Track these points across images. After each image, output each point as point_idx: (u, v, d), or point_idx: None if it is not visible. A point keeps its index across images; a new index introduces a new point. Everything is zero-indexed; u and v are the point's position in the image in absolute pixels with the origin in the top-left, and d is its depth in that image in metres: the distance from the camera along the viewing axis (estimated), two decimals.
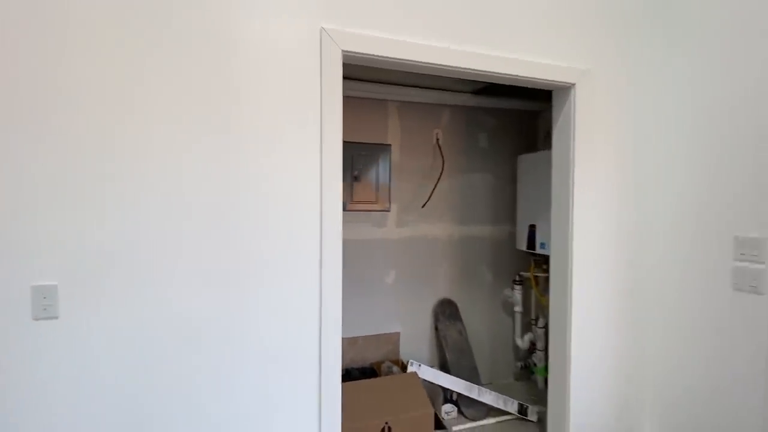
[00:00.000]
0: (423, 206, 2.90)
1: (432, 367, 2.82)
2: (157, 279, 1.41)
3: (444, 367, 2.92)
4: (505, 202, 3.22)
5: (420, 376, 2.59)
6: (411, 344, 2.98)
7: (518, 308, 3.17)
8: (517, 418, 2.66)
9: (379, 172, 2.84)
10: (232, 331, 1.52)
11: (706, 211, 2.02)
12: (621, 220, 2.21)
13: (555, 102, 2.20)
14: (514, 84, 2.07)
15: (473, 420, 2.65)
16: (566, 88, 2.10)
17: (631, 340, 2.26)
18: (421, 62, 1.77)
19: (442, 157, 2.93)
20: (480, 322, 3.20)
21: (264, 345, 1.56)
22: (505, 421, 2.64)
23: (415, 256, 2.96)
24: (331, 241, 1.65)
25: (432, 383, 2.67)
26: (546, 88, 2.16)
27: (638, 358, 2.28)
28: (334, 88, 1.63)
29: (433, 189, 2.89)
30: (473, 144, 3.15)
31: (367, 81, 2.62)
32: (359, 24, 1.66)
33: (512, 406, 2.69)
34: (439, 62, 1.79)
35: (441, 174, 2.90)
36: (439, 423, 2.45)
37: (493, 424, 2.61)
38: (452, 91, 2.90)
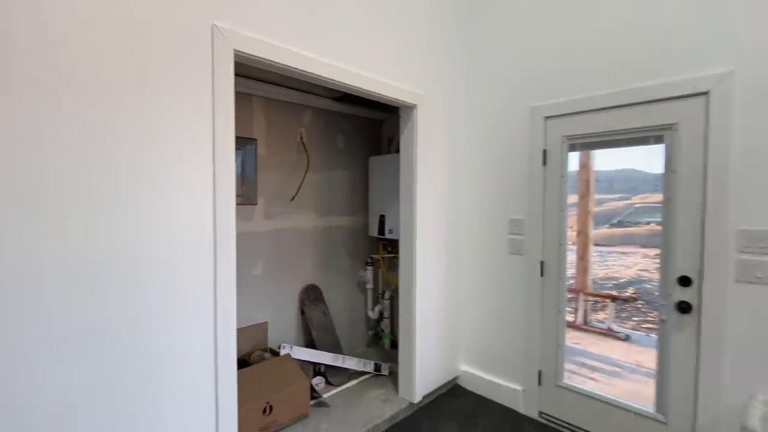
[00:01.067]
0: (292, 199, 3.09)
1: (300, 347, 3.07)
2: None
3: (311, 346, 3.22)
4: (360, 196, 3.71)
5: (293, 356, 2.82)
6: (279, 331, 3.15)
7: (369, 285, 3.74)
8: (374, 376, 3.20)
9: (245, 165, 2.88)
10: (120, 333, 1.45)
11: (493, 202, 2.95)
12: (446, 209, 2.97)
13: (402, 117, 2.77)
14: (376, 99, 2.52)
15: (339, 386, 3.04)
16: (411, 107, 2.68)
17: (453, 296, 3.08)
18: (305, 71, 2.01)
19: (307, 153, 3.19)
20: (340, 301, 3.62)
21: (155, 344, 1.54)
22: (364, 380, 3.14)
23: (282, 247, 3.13)
24: (226, 234, 1.73)
25: (303, 361, 2.93)
26: (396, 105, 2.69)
27: (457, 309, 3.13)
28: (226, 84, 1.71)
29: (301, 183, 3.12)
30: (332, 144, 3.51)
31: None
32: (250, 28, 1.78)
33: (369, 367, 3.21)
34: (319, 73, 2.07)
35: (307, 170, 3.15)
36: (314, 394, 2.74)
37: (355, 384, 3.07)
38: (314, 94, 3.17)
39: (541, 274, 2.70)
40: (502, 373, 2.93)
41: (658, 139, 2.25)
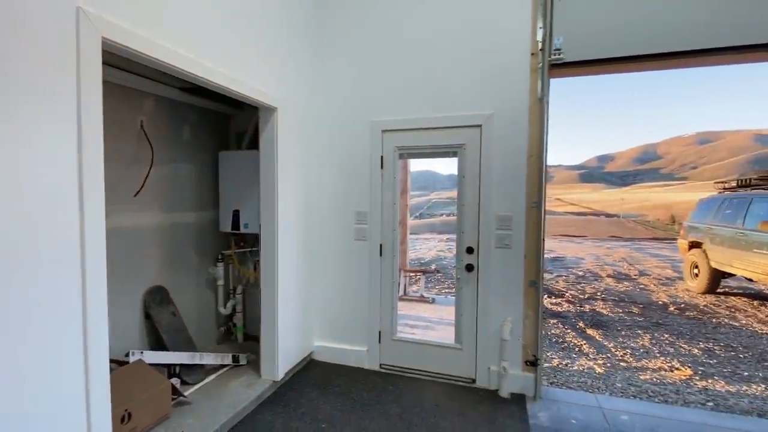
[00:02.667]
0: (136, 195, 2.81)
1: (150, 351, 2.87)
2: None
3: (161, 349, 3.03)
4: (208, 191, 3.63)
5: (146, 361, 2.65)
6: (121, 339, 2.84)
7: (221, 282, 3.72)
8: (233, 367, 3.27)
9: None
10: None
11: (342, 197, 3.49)
12: (302, 203, 3.33)
13: (263, 117, 2.96)
14: (240, 99, 2.64)
15: (196, 383, 3.00)
16: (272, 109, 2.92)
17: (308, 280, 3.47)
18: (174, 66, 2.03)
19: (151, 146, 2.95)
20: (188, 301, 3.47)
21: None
22: (223, 373, 3.18)
23: (121, 248, 2.82)
24: (95, 235, 1.65)
25: (156, 365, 2.77)
26: (257, 105, 2.87)
27: (312, 292, 3.53)
28: (93, 72, 1.62)
29: (146, 178, 2.87)
30: (178, 136, 3.33)
31: None
32: (120, 15, 1.72)
33: (227, 360, 3.27)
34: (188, 69, 2.12)
35: (152, 163, 2.92)
36: (175, 394, 2.66)
37: (214, 378, 3.08)
38: (157, 81, 2.97)
39: (380, 254, 3.39)
40: (350, 339, 3.51)
41: (454, 154, 3.23)
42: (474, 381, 3.14)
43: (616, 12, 2.81)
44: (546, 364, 3.69)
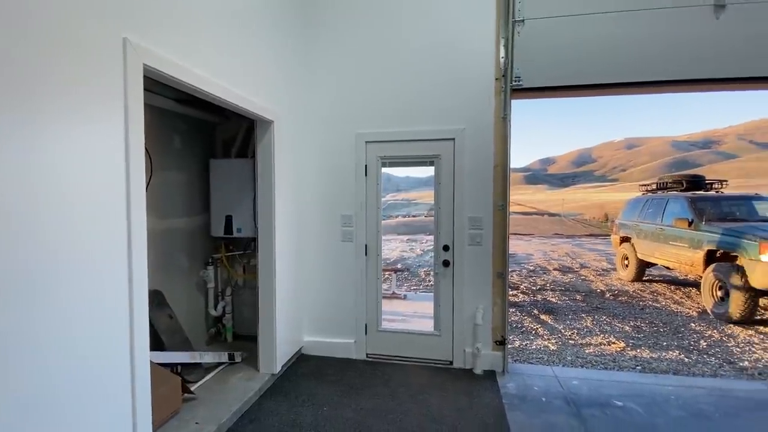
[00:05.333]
0: None
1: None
2: None
3: (160, 350, 3.14)
4: (199, 197, 3.76)
5: (153, 361, 2.78)
6: None
7: (211, 284, 3.86)
8: (229, 365, 3.45)
9: None
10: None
11: (330, 202, 3.79)
12: (295, 208, 3.59)
13: (260, 130, 3.20)
14: (244, 114, 2.87)
15: (197, 381, 3.16)
16: (269, 122, 3.16)
17: (300, 280, 3.73)
18: (205, 91, 2.26)
19: (149, 155, 3.07)
20: (181, 304, 3.59)
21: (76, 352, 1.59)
22: (221, 370, 3.35)
23: None
24: (140, 236, 1.85)
25: (159, 365, 2.90)
26: (257, 119, 3.10)
27: (303, 290, 3.79)
28: (137, 94, 1.84)
29: (147, 185, 2.98)
30: (170, 144, 3.45)
31: None
32: (157, 44, 1.94)
33: (224, 358, 3.44)
34: (217, 94, 2.36)
35: (151, 173, 3.04)
36: (184, 391, 2.82)
37: (213, 376, 3.25)
38: (153, 92, 3.09)
39: (366, 254, 3.74)
40: (338, 333, 3.82)
41: (431, 163, 3.66)
42: (452, 362, 3.59)
43: (566, 49, 3.38)
44: (510, 346, 4.23)
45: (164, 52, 2.00)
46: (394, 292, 6.04)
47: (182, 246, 3.62)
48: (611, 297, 6.51)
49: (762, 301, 5.97)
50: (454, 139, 3.54)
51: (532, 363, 3.81)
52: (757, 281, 4.86)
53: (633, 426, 2.65)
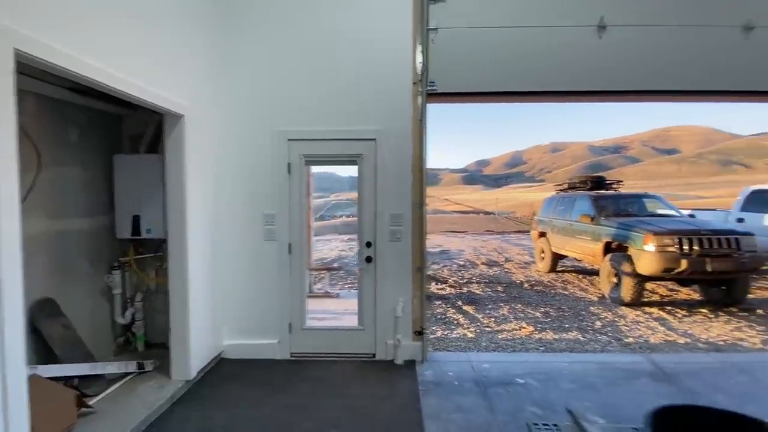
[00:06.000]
0: (24, 200, 2.61)
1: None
2: None
3: (54, 363, 2.86)
4: (100, 195, 3.46)
5: (43, 375, 2.53)
6: None
7: (117, 290, 3.58)
8: (139, 374, 3.23)
9: None
10: None
11: (251, 200, 3.71)
12: (211, 207, 3.46)
13: (168, 123, 3.04)
14: (142, 104, 2.70)
15: (97, 394, 2.92)
16: (178, 116, 3.02)
17: (218, 282, 3.60)
18: (98, 81, 2.10)
19: (36, 148, 2.77)
20: (82, 312, 3.28)
21: None
22: (129, 380, 3.13)
23: None
24: (10, 243, 1.69)
25: (51, 379, 2.64)
26: (162, 112, 2.94)
27: (221, 291, 3.67)
28: (6, 82, 1.67)
29: (33, 183, 2.69)
30: (64, 137, 3.14)
31: None
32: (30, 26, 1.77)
33: (132, 367, 3.21)
34: (113, 85, 2.20)
35: (39, 169, 2.75)
36: (81, 405, 2.59)
37: (119, 387, 3.03)
38: (40, 79, 2.80)
39: (290, 253, 3.71)
40: (261, 334, 3.75)
41: (354, 162, 3.74)
42: (374, 355, 3.70)
43: (480, 57, 3.63)
44: (432, 336, 4.46)
45: (45, 37, 1.84)
46: (327, 291, 6.04)
47: (82, 249, 3.31)
48: (528, 287, 7.11)
49: (650, 286, 6.91)
50: (375, 139, 3.65)
51: (450, 351, 4.06)
52: (642, 268, 5.61)
53: (530, 399, 2.94)
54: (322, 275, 6.66)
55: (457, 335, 4.57)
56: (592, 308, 5.71)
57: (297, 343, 3.76)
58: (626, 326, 4.92)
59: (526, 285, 7.28)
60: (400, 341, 3.58)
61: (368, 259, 3.70)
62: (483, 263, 9.70)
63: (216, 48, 3.54)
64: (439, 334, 4.60)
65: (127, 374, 3.19)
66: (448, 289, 6.90)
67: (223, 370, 3.48)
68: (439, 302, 5.97)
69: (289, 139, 3.67)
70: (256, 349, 3.72)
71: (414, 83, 3.62)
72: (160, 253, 3.63)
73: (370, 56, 3.63)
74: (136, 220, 3.43)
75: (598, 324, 5.00)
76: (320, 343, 3.76)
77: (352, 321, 3.85)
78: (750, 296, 6.20)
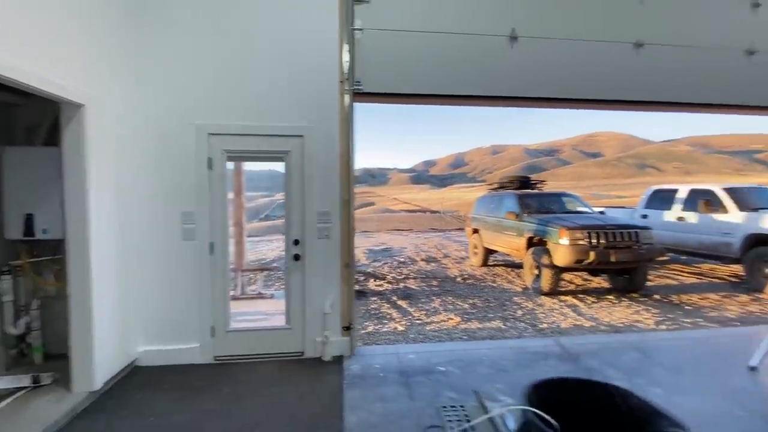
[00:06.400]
0: None
1: None
2: None
3: None
4: None
5: None
6: None
7: (8, 297, 3.21)
8: (34, 389, 2.92)
9: None
10: None
11: (166, 197, 3.51)
12: (121, 204, 3.22)
13: (65, 113, 2.79)
14: (33, 92, 2.46)
15: None
16: (77, 105, 2.78)
17: (129, 283, 3.37)
18: None
19: None
20: None
21: None
22: (22, 395, 2.82)
23: None
24: None
25: None
26: (57, 100, 2.69)
27: (134, 294, 3.43)
28: None
29: None
30: None
31: None
32: None
33: (26, 381, 2.91)
34: None
35: None
36: None
37: (11, 402, 2.72)
38: None
39: (211, 253, 3.57)
40: (180, 338, 3.56)
41: (281, 159, 3.69)
42: (303, 353, 3.68)
43: (407, 60, 3.75)
44: (363, 331, 4.54)
45: None
46: (260, 292, 5.88)
47: None
48: (461, 281, 7.47)
49: (568, 276, 7.58)
50: (302, 136, 3.63)
51: (380, 344, 4.16)
52: (558, 260, 6.15)
53: (448, 385, 3.11)
54: (257, 276, 6.47)
55: (389, 329, 4.69)
56: (515, 298, 6.14)
57: (221, 347, 3.62)
58: (543, 313, 5.36)
59: (459, 279, 7.64)
60: (328, 338, 3.60)
61: (296, 257, 3.67)
62: (422, 259, 10.01)
63: (128, 37, 3.30)
64: (370, 329, 4.69)
65: (21, 389, 2.88)
66: (385, 285, 7.03)
67: (136, 378, 3.26)
68: (375, 298, 6.08)
69: (209, 134, 3.53)
70: (175, 355, 3.53)
71: (341, 81, 3.65)
72: (60, 255, 3.31)
73: (297, 52, 3.60)
74: (29, 219, 3.09)
75: (519, 312, 5.39)
76: (247, 345, 3.66)
77: (283, 321, 3.79)
78: (649, 283, 7.06)
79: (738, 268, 7.40)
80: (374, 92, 3.74)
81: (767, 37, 4.23)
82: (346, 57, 3.61)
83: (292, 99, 3.62)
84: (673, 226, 8.06)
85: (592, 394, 1.73)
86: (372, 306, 5.67)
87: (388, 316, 5.18)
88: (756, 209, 6.87)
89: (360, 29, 3.61)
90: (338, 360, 3.59)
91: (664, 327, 4.82)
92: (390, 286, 6.98)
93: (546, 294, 6.32)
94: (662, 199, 8.64)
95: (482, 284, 7.19)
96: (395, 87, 3.77)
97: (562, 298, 6.18)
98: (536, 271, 6.59)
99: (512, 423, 2.36)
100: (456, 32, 3.75)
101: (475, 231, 9.34)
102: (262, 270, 6.43)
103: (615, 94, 4.06)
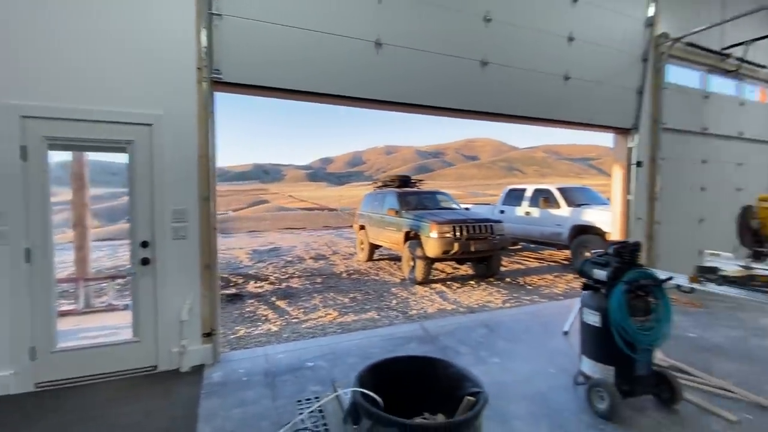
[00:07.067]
0: None
1: None
2: None
3: None
4: None
5: None
6: None
7: None
8: None
9: None
10: None
11: None
12: None
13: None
14: None
15: None
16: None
17: None
18: None
19: None
20: None
21: None
22: None
23: None
24: None
25: None
26: None
27: None
28: None
29: None
30: None
31: None
32: None
33: None
34: None
35: None
36: None
37: None
38: None
39: (27, 261, 2.96)
40: None
41: (123, 150, 3.24)
42: (156, 367, 3.31)
43: (272, 52, 3.62)
44: (232, 336, 4.31)
45: None
46: (110, 304, 5.10)
47: None
48: (346, 276, 7.64)
49: (441, 266, 8.34)
50: (151, 125, 3.25)
51: (249, 348, 3.99)
52: (429, 252, 6.74)
53: (315, 380, 3.16)
54: (109, 286, 5.59)
55: (262, 331, 4.53)
56: (393, 289, 6.54)
57: (45, 371, 3.04)
58: (414, 301, 5.82)
59: (344, 275, 7.79)
60: (185, 347, 3.31)
61: (144, 261, 3.28)
62: (311, 257, 9.92)
63: None
64: (242, 332, 4.48)
65: None
66: (267, 286, 6.78)
67: None
68: (252, 301, 5.82)
69: (23, 116, 2.91)
70: None
71: (199, 68, 3.38)
72: None
73: (148, 30, 3.21)
74: None
75: (394, 302, 5.76)
76: (82, 365, 3.14)
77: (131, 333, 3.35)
78: (503, 269, 8.22)
79: (568, 253, 9.13)
80: (236, 83, 3.56)
81: (578, 66, 5.28)
82: (204, 42, 3.36)
83: (142, 83, 3.22)
84: (523, 219, 9.54)
85: (418, 367, 1.95)
86: (248, 309, 5.41)
87: (264, 318, 5.00)
88: (579, 205, 8.57)
89: (218, 14, 3.39)
90: (199, 369, 3.33)
91: (509, 305, 5.67)
92: (271, 286, 6.75)
93: (420, 283, 6.86)
94: (515, 197, 10.14)
95: (366, 278, 7.46)
96: (259, 79, 3.64)
97: (434, 286, 6.80)
98: (412, 263, 7.11)
99: None
100: (324, 31, 3.79)
101: (362, 227, 9.63)
102: (113, 278, 5.58)
103: (464, 104, 4.60)
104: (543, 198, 9.06)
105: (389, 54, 4.10)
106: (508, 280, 7.39)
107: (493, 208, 10.63)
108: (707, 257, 3.51)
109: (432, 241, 6.65)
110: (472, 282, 7.15)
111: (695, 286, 3.18)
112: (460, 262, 7.83)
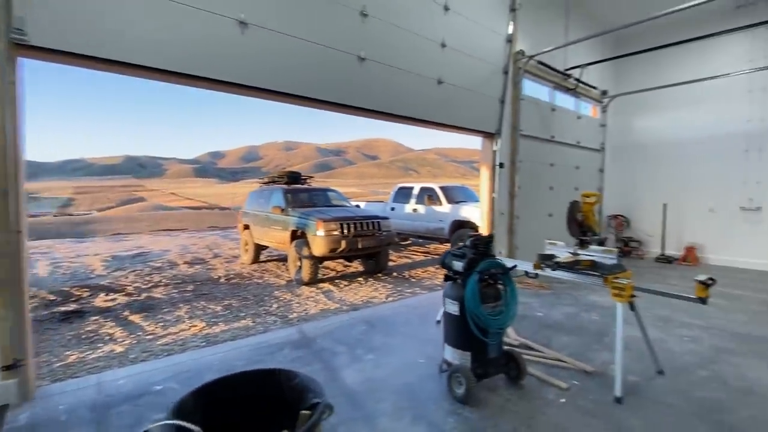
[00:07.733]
0: None
1: None
2: None
3: None
4: None
5: None
6: None
7: None
8: None
9: None
10: None
11: None
12: None
13: None
14: None
15: None
16: None
17: None
18: None
19: None
20: None
21: None
22: None
23: None
24: None
25: None
26: None
27: None
28: None
29: None
30: None
31: None
32: None
33: None
34: None
35: None
36: None
37: None
38: None
39: None
40: None
41: None
42: None
43: (109, 13, 2.97)
44: (58, 365, 3.49)
45: None
46: None
47: None
48: (225, 281, 6.96)
49: (331, 264, 8.19)
50: None
51: (79, 377, 3.26)
52: (316, 250, 6.52)
53: (160, 407, 2.69)
54: None
55: (101, 354, 3.77)
56: (276, 293, 6.15)
57: None
58: (298, 303, 5.55)
59: (222, 279, 7.09)
60: None
61: None
62: (186, 262, 8.84)
63: None
64: (72, 358, 3.65)
65: None
66: (120, 298, 5.75)
67: None
68: (96, 318, 4.85)
69: None
70: None
71: None
72: None
73: None
74: None
75: (275, 306, 5.40)
76: None
77: None
78: (392, 264, 8.45)
79: (450, 246, 9.84)
80: (52, 48, 2.83)
81: (450, 72, 5.63)
82: None
83: None
84: (411, 216, 9.99)
85: (258, 383, 1.74)
86: (88, 328, 4.48)
87: (108, 337, 4.19)
88: (458, 202, 9.28)
89: None
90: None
91: (391, 299, 5.80)
92: (126, 298, 5.74)
93: (307, 284, 6.61)
94: (404, 194, 10.57)
95: (247, 282, 6.90)
96: (89, 47, 2.96)
97: (321, 285, 6.61)
98: (298, 263, 6.81)
99: None
100: (181, 2, 3.27)
101: (246, 227, 8.93)
102: None
103: (343, 98, 4.50)
104: (428, 196, 9.59)
105: (255, 36, 3.75)
106: (395, 274, 7.60)
107: (385, 206, 10.91)
108: (547, 246, 4.01)
109: (319, 239, 6.45)
110: (360, 279, 7.17)
111: (538, 271, 3.60)
112: (349, 259, 7.79)
